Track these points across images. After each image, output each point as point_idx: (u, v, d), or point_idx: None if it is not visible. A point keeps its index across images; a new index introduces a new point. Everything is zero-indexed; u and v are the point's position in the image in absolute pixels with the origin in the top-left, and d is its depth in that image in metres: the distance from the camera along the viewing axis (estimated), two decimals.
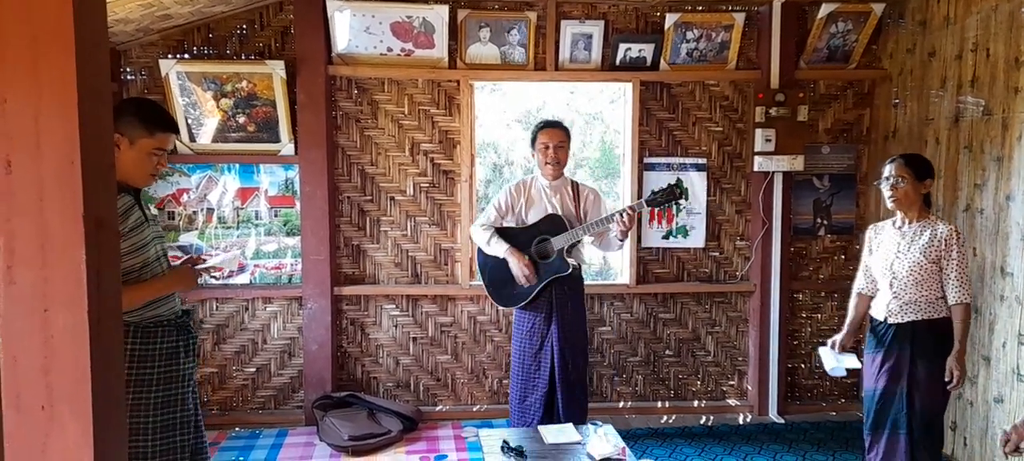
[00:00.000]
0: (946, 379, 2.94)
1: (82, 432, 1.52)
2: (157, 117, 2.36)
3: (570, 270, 3.66)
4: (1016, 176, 3.45)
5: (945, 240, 2.98)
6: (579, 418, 3.70)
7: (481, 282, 3.72)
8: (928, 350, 2.99)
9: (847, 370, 3.34)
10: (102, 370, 1.55)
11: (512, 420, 3.83)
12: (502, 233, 3.76)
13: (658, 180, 4.52)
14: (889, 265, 3.11)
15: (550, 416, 3.72)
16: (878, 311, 3.18)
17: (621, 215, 3.55)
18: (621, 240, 3.68)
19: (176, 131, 2.46)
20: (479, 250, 3.83)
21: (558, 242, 3.65)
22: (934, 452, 3.06)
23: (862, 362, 3.29)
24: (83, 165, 1.48)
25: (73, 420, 1.52)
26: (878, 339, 3.15)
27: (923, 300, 3.02)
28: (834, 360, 3.35)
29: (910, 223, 3.09)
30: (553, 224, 3.70)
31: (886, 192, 3.08)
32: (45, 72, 1.45)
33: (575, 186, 3.83)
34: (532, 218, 3.76)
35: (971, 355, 3.78)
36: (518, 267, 3.65)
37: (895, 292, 3.08)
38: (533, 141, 3.79)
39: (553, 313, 3.69)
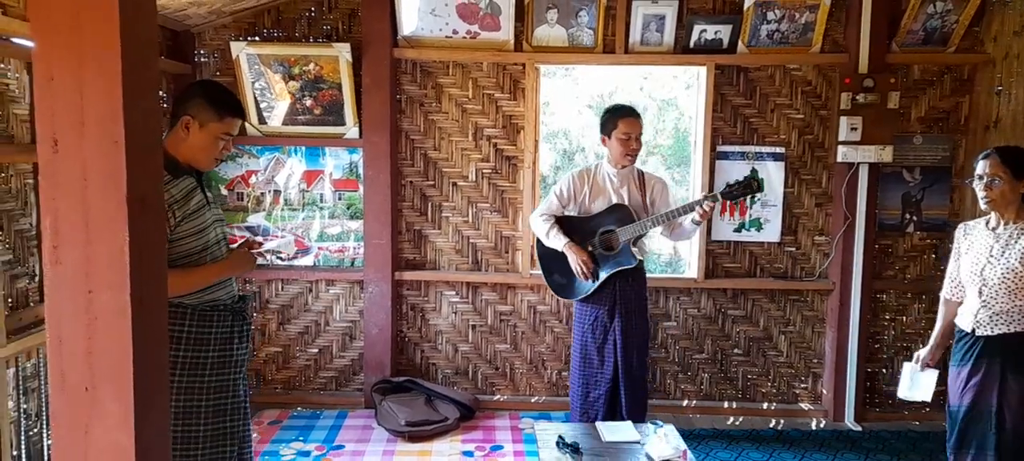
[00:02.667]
0: None
1: (123, 413, 1.51)
2: (226, 101, 2.37)
3: (636, 263, 3.51)
4: None
5: None
6: (641, 416, 3.56)
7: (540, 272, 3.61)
8: (1022, 365, 2.70)
9: (923, 397, 3.07)
10: (144, 352, 1.53)
11: (573, 416, 3.70)
12: (565, 222, 3.62)
13: (731, 169, 4.31)
14: (979, 270, 2.81)
15: (612, 413, 3.59)
16: (965, 321, 2.88)
17: (701, 204, 3.36)
18: (696, 225, 3.50)
19: (243, 115, 2.46)
20: (538, 240, 3.72)
21: (625, 234, 3.49)
22: None
23: (945, 376, 3.02)
24: (127, 144, 1.45)
25: (115, 401, 1.51)
26: (964, 352, 2.85)
27: (1016, 310, 2.71)
28: (910, 381, 3.09)
29: (1006, 225, 2.77)
30: (620, 215, 3.53)
31: (979, 191, 2.78)
32: (90, 48, 1.43)
33: (641, 175, 3.65)
34: (597, 207, 3.60)
35: None
36: (577, 263, 3.51)
37: (984, 301, 2.78)
38: (606, 128, 3.57)
39: (616, 307, 3.54)
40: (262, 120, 4.28)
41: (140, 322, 1.51)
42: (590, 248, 3.55)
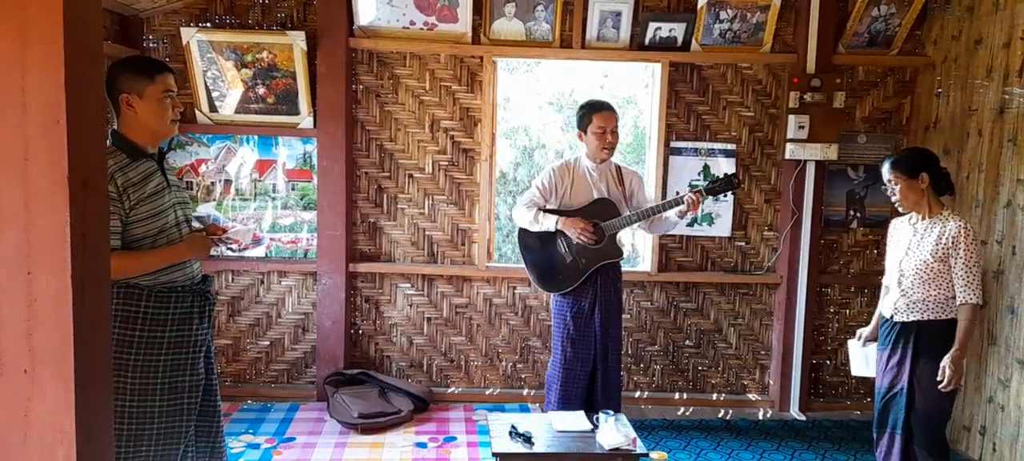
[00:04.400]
0: (938, 378, 2.83)
1: (64, 397, 1.48)
2: (149, 63, 2.40)
3: (621, 256, 3.60)
4: None
5: (953, 238, 2.85)
6: (616, 406, 3.61)
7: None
8: (932, 350, 2.88)
9: (872, 372, 3.22)
10: (86, 335, 1.50)
11: (553, 405, 3.71)
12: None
13: (685, 165, 4.40)
14: (898, 262, 3.02)
15: (587, 402, 3.66)
16: (887, 308, 3.09)
17: (686, 198, 3.46)
18: (680, 218, 3.58)
19: (172, 71, 2.44)
20: (521, 232, 3.70)
21: (611, 227, 3.55)
22: (940, 455, 2.94)
23: None
24: (69, 124, 1.43)
25: (55, 384, 1.48)
26: (885, 336, 3.07)
27: (930, 300, 2.91)
28: (863, 359, 3.23)
29: (923, 219, 2.98)
30: (604, 209, 3.58)
31: (891, 198, 3.02)
32: (32, 27, 1.40)
33: (618, 169, 3.71)
34: (578, 201, 3.64)
35: (1005, 358, 3.61)
36: (577, 231, 3.49)
37: (903, 290, 2.98)
38: (582, 123, 3.60)
39: (598, 300, 3.60)
40: (213, 108, 4.20)
41: (81, 304, 1.48)
42: (574, 242, 3.56)
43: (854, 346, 3.29)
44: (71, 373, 1.48)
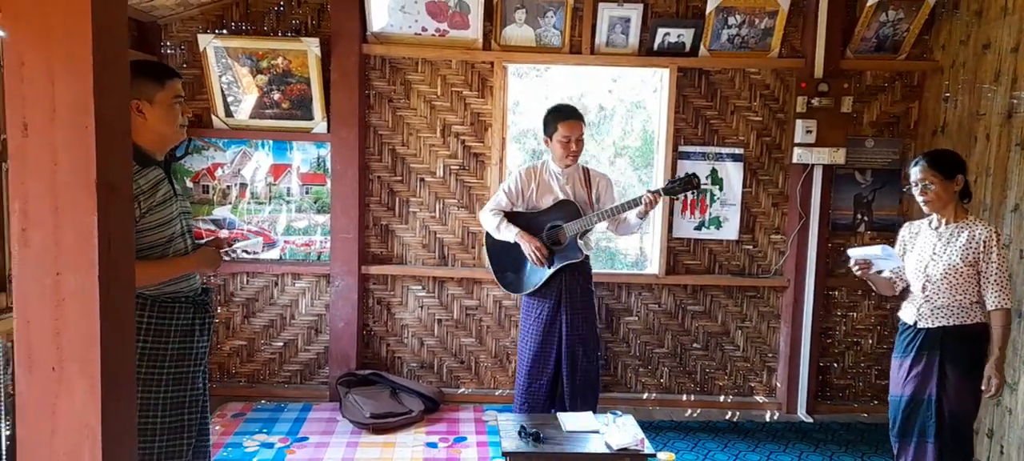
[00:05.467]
0: (983, 387, 2.81)
1: (90, 393, 1.54)
2: (158, 68, 2.40)
3: (583, 257, 3.63)
4: None
5: (984, 242, 2.84)
6: (590, 406, 3.66)
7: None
8: (959, 356, 2.87)
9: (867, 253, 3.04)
10: (111, 334, 1.56)
11: (516, 406, 3.80)
12: (513, 218, 3.72)
13: (693, 169, 4.43)
14: (923, 267, 2.97)
15: (553, 403, 3.71)
16: (908, 314, 3.05)
17: (642, 198, 3.52)
18: (641, 219, 3.62)
19: (180, 76, 2.45)
20: (487, 235, 3.80)
21: (572, 228, 3.60)
22: (967, 455, 2.94)
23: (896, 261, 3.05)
24: (97, 130, 1.49)
25: (82, 381, 1.53)
26: (906, 344, 3.02)
27: (957, 305, 2.89)
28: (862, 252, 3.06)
29: (947, 224, 2.95)
30: (567, 210, 3.64)
31: (918, 197, 2.96)
32: (60, 35, 1.46)
33: (586, 172, 3.77)
34: (544, 204, 3.72)
35: (1012, 361, 3.62)
36: (530, 250, 3.60)
37: (927, 296, 2.95)
38: (548, 129, 3.66)
39: (562, 300, 3.66)
40: (229, 113, 4.28)
41: (108, 304, 1.54)
42: (540, 239, 3.64)
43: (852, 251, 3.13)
44: (98, 371, 1.54)
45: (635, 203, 3.55)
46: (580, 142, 3.65)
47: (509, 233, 3.66)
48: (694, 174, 3.60)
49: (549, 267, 3.62)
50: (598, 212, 3.60)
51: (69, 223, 1.50)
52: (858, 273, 3.09)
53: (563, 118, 3.62)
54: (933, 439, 2.92)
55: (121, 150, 1.60)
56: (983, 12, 3.96)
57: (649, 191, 3.56)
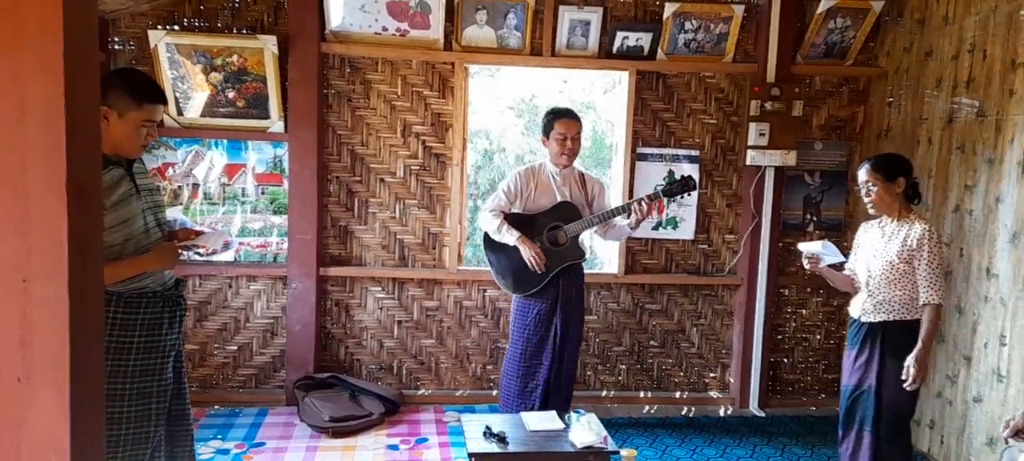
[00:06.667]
0: (903, 377, 2.95)
1: (59, 405, 1.48)
2: (145, 88, 2.34)
3: (583, 256, 3.71)
4: (1007, 178, 3.46)
5: (918, 240, 2.99)
6: (565, 407, 3.70)
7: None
8: (899, 350, 3.00)
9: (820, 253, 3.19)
10: (82, 344, 1.50)
11: (507, 407, 3.79)
12: (511, 219, 3.74)
13: (651, 170, 4.52)
14: (866, 264, 3.14)
15: (545, 406, 3.72)
16: (855, 309, 3.21)
17: (639, 204, 3.58)
18: (633, 229, 3.69)
19: (165, 102, 2.44)
20: (485, 236, 3.79)
21: (572, 229, 3.66)
22: (904, 451, 3.10)
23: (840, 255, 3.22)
24: (68, 132, 1.44)
25: (50, 393, 1.48)
26: (853, 337, 3.19)
27: (896, 300, 3.04)
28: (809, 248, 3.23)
29: (891, 222, 3.11)
30: (567, 212, 3.69)
31: (863, 199, 3.12)
32: (30, 34, 1.40)
33: (582, 175, 3.84)
34: (542, 205, 3.75)
35: (953, 354, 3.81)
36: (529, 255, 3.62)
37: (870, 291, 3.11)
38: (546, 129, 3.74)
39: (558, 302, 3.69)
40: (180, 111, 4.16)
41: (78, 313, 1.49)
42: (538, 243, 3.67)
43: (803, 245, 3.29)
44: (66, 382, 1.48)
45: (628, 208, 3.62)
46: (576, 141, 3.71)
47: (510, 237, 3.66)
48: (690, 176, 3.71)
49: (550, 271, 3.65)
50: (598, 213, 3.68)
51: (39, 229, 1.44)
52: (808, 266, 3.25)
53: (560, 117, 3.72)
54: (871, 429, 3.08)
55: (91, 152, 1.54)
56: (926, 21, 4.15)
57: (648, 196, 3.63)
